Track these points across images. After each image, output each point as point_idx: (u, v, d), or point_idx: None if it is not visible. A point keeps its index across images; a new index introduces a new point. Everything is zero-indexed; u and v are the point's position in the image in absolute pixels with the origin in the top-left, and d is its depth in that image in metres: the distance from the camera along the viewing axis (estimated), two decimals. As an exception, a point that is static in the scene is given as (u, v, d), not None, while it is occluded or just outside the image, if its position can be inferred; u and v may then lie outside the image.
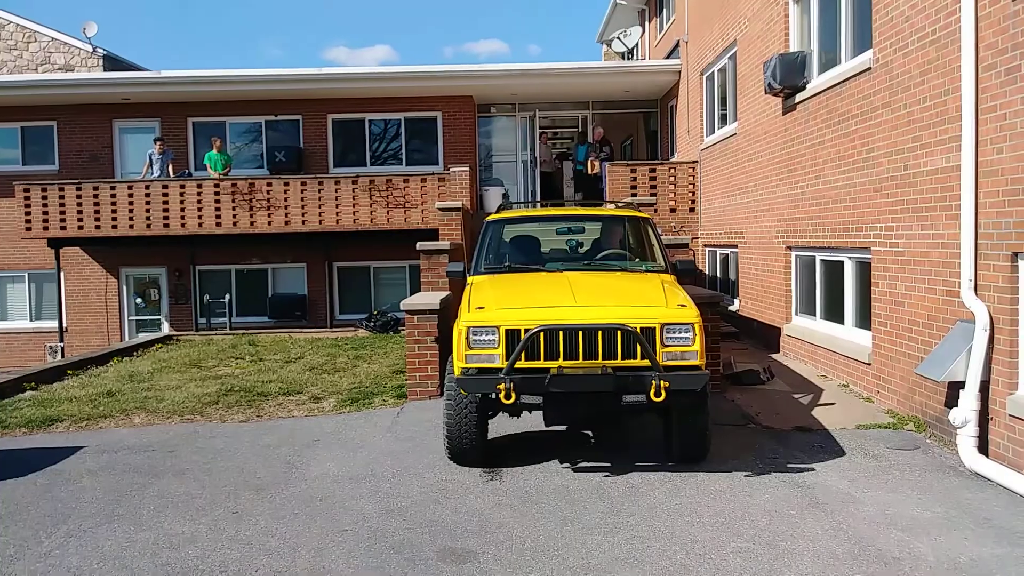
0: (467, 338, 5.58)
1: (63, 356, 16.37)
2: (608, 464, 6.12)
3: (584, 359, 5.47)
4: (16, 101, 17.32)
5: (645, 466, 5.99)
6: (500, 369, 5.46)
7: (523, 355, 5.43)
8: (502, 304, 5.90)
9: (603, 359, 5.47)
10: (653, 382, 5.27)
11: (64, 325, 17.32)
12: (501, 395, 5.32)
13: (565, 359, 5.47)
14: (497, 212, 8.24)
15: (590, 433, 7.08)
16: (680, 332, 5.52)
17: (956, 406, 5.97)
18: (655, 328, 5.50)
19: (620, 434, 7.00)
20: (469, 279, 6.93)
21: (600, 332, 5.46)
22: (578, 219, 8.34)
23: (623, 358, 5.47)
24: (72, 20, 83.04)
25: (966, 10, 6.06)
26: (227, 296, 17.48)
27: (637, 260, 7.42)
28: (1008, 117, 5.67)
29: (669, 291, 6.08)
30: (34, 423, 7.87)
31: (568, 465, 6.10)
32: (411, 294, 13.36)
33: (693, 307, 5.74)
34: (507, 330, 5.53)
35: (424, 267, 10.47)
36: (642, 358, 5.43)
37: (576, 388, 5.49)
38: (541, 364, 5.47)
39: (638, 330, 5.41)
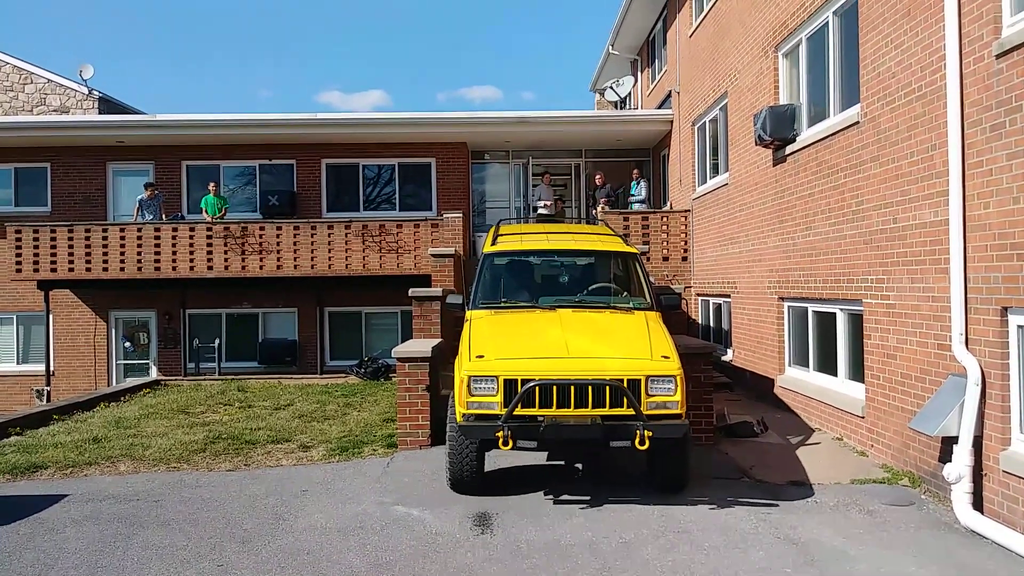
0: (468, 386, 6.12)
1: (49, 400, 16.19)
2: (594, 497, 6.51)
3: (575, 407, 6.00)
4: (10, 143, 17.42)
5: (635, 511, 5.92)
6: (498, 416, 5.99)
7: (519, 404, 5.93)
8: (500, 352, 6.38)
9: (592, 408, 6.01)
10: (638, 431, 5.87)
11: (51, 368, 17.15)
12: (500, 442, 5.91)
13: (558, 407, 6.01)
14: (494, 240, 8.54)
15: (579, 466, 7.55)
16: (663, 383, 6.08)
17: (950, 461, 5.95)
18: (640, 380, 6.05)
19: (607, 466, 7.51)
20: (468, 314, 7.51)
21: (590, 387, 6.00)
22: (571, 254, 8.54)
23: (611, 407, 6.01)
24: (70, 62, 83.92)
25: (951, 68, 6.18)
26: (217, 341, 17.37)
27: (625, 295, 8.01)
28: (994, 173, 5.74)
29: (654, 337, 6.63)
30: (18, 470, 7.74)
31: (551, 498, 6.52)
32: (403, 340, 13.32)
33: (676, 358, 6.27)
34: (505, 379, 6.07)
35: (416, 314, 10.44)
36: (628, 407, 5.94)
37: (567, 436, 6.11)
38: (536, 412, 6.00)
39: (624, 383, 5.98)
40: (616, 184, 17.72)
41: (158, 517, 6.22)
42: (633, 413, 5.93)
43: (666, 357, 6.24)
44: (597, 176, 17.27)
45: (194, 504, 6.56)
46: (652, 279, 9.86)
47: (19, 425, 9.78)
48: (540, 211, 16.84)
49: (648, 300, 7.68)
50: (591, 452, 7.60)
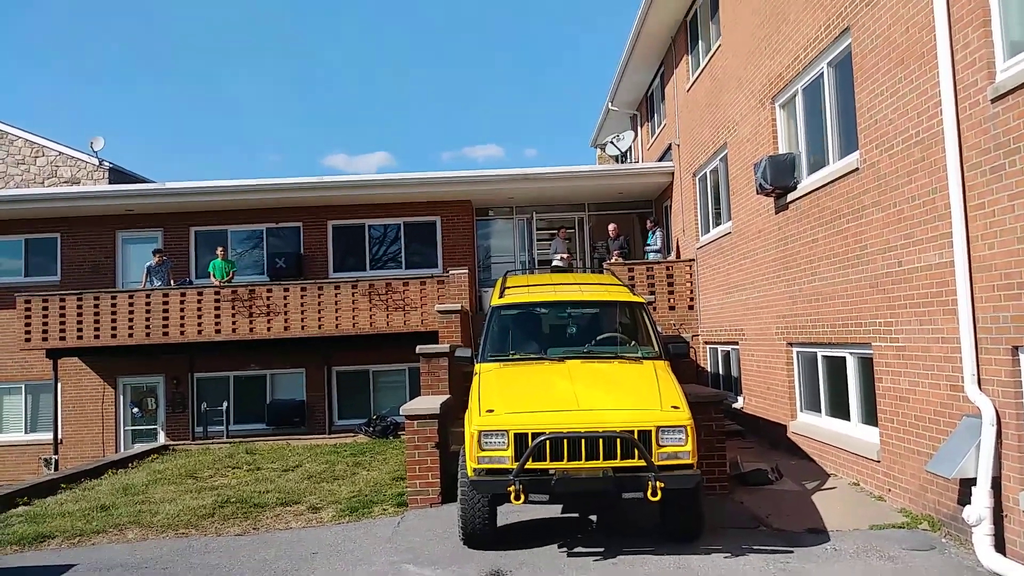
0: (479, 441, 6.12)
1: (57, 468, 16.08)
2: (608, 549, 6.47)
3: (586, 460, 5.98)
4: (21, 214, 17.69)
5: (651, 563, 5.81)
6: (509, 470, 5.98)
7: (530, 458, 5.93)
8: (510, 407, 6.40)
9: (604, 460, 5.98)
10: (649, 483, 5.83)
11: (59, 436, 17.07)
12: (511, 496, 5.86)
13: (569, 460, 5.98)
14: (501, 293, 8.58)
15: (593, 518, 7.49)
16: (674, 434, 6.07)
17: (969, 503, 5.85)
18: (651, 431, 6.05)
19: (620, 518, 7.43)
20: (477, 367, 7.53)
21: (601, 439, 5.99)
22: (579, 304, 8.53)
23: (622, 458, 5.98)
24: (80, 135, 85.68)
25: (947, 113, 6.27)
26: (225, 403, 17.32)
27: (633, 344, 7.98)
28: (996, 214, 5.78)
29: (664, 387, 6.63)
30: (25, 540, 7.65)
31: (565, 551, 6.46)
32: (411, 397, 13.26)
33: (686, 408, 6.27)
34: (516, 434, 6.07)
35: (424, 370, 10.42)
36: (639, 458, 5.92)
37: (579, 489, 6.06)
38: (547, 465, 5.98)
39: (635, 434, 5.98)
40: (625, 235, 17.83)
41: (167, 584, 6.13)
42: (644, 464, 5.90)
43: (676, 407, 6.24)
44: (611, 227, 17.31)
45: (203, 570, 6.47)
46: (660, 328, 9.86)
47: (26, 495, 9.71)
48: (556, 263, 16.93)
49: (656, 349, 7.69)
50: (604, 504, 7.52)
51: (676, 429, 6.06)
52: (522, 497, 5.89)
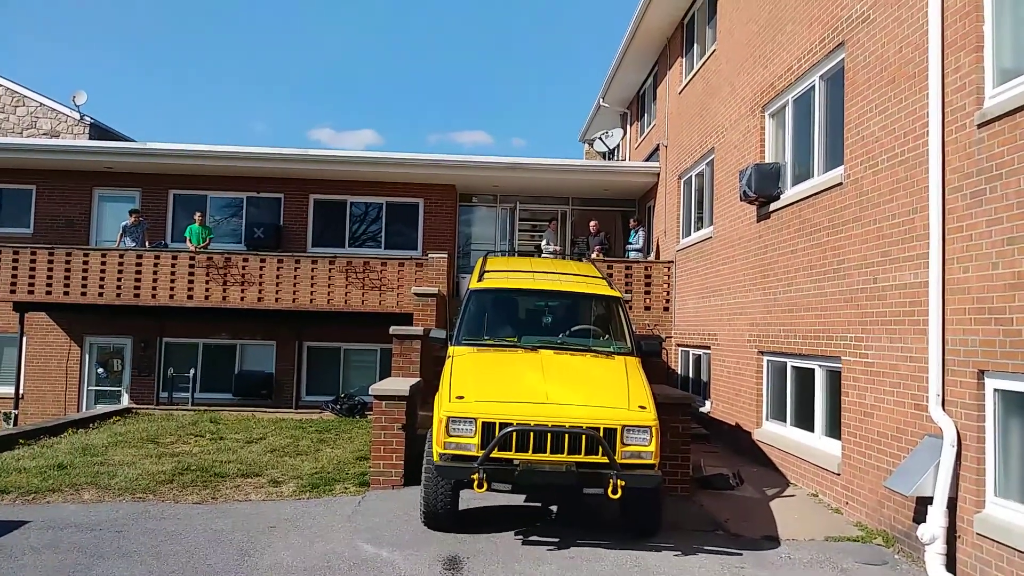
0: (447, 426, 6.16)
1: (16, 424, 15.85)
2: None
3: (551, 453, 6.06)
4: (-3, 163, 17.34)
5: (607, 560, 5.84)
6: (475, 457, 6.03)
7: (496, 447, 5.99)
8: (480, 395, 6.41)
9: (568, 454, 6.06)
10: (611, 480, 5.93)
11: (21, 392, 16.82)
12: (475, 484, 5.93)
13: (534, 452, 6.06)
14: (480, 276, 8.54)
15: (553, 508, 7.64)
16: (639, 433, 6.15)
17: (924, 522, 5.94)
18: (617, 429, 6.12)
19: (582, 510, 7.57)
20: (450, 350, 7.53)
21: (567, 435, 6.06)
22: (557, 296, 8.52)
23: (586, 454, 6.06)
24: (63, 88, 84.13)
25: (933, 135, 6.32)
26: (192, 371, 17.17)
27: (607, 337, 8.06)
28: (974, 238, 5.84)
29: (633, 386, 6.71)
30: (-22, 494, 7.54)
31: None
32: (381, 378, 13.22)
33: (652, 409, 6.35)
34: (484, 422, 6.11)
35: (396, 352, 10.38)
36: (602, 455, 6.01)
37: (541, 481, 6.15)
38: (512, 455, 6.06)
39: (601, 432, 6.05)
40: (606, 232, 17.82)
41: (120, 548, 6.07)
42: (607, 462, 6.00)
43: (643, 407, 6.32)
44: (592, 223, 17.30)
45: (158, 536, 6.41)
46: (635, 326, 9.90)
47: (-17, 448, 9.56)
48: (546, 256, 16.89)
49: (629, 345, 7.75)
50: (566, 496, 7.63)
51: (641, 429, 6.14)
52: (485, 485, 5.94)
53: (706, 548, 6.44)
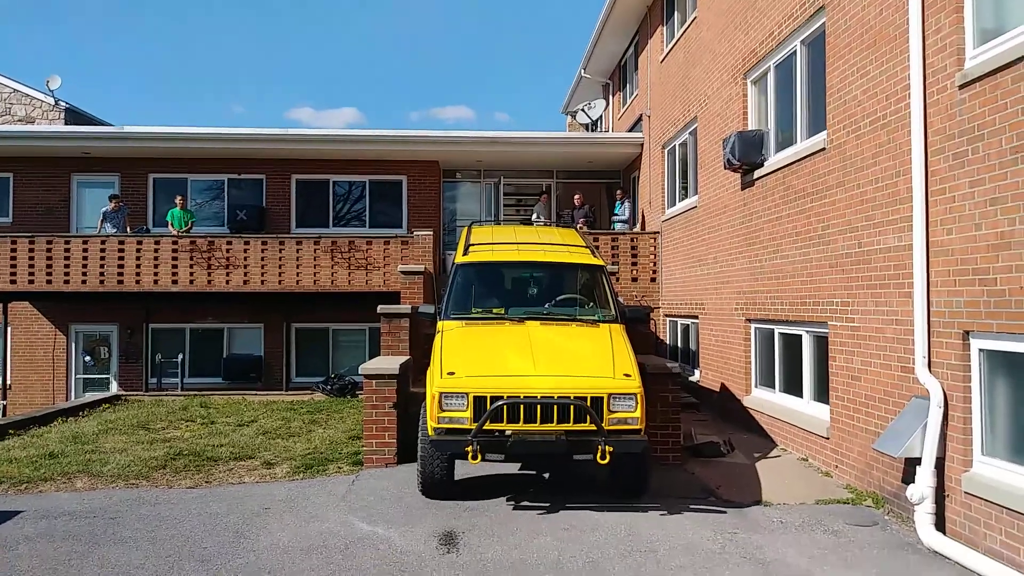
0: (439, 402, 6.39)
1: (5, 414, 15.78)
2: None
3: (541, 423, 6.31)
4: (-28, 152, 17.07)
5: (602, 528, 5.91)
6: (468, 430, 6.26)
7: (488, 420, 6.22)
8: (470, 370, 6.63)
9: (557, 423, 6.30)
10: (599, 446, 6.19)
11: (8, 382, 16.74)
12: (469, 456, 6.18)
13: (525, 422, 6.30)
14: (465, 249, 8.65)
15: (546, 475, 7.89)
16: (625, 401, 6.40)
17: (913, 482, 6.02)
18: (603, 397, 6.36)
19: (573, 474, 7.88)
20: (439, 324, 7.70)
21: (556, 405, 6.29)
22: (542, 267, 8.68)
23: (575, 423, 6.31)
24: (37, 74, 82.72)
25: (915, 97, 6.32)
26: (180, 356, 17.10)
27: (592, 305, 8.30)
28: (957, 200, 5.87)
29: (618, 354, 6.94)
30: (-31, 486, 7.51)
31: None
32: (370, 357, 13.20)
33: (637, 376, 6.59)
34: (475, 396, 6.35)
35: (384, 331, 10.35)
36: (590, 423, 6.26)
37: (533, 451, 6.43)
38: (504, 426, 6.29)
39: (588, 400, 6.30)
40: (591, 205, 17.76)
41: (115, 535, 6.07)
42: (595, 429, 6.25)
43: (628, 375, 6.56)
44: (576, 196, 17.21)
45: (152, 522, 6.41)
46: (622, 298, 10.02)
47: (-28, 439, 9.50)
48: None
49: (613, 312, 7.98)
50: (557, 463, 7.91)
51: (627, 396, 6.39)
52: (479, 457, 6.20)
53: (702, 516, 6.51)
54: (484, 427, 6.21)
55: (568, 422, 6.28)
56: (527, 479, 7.72)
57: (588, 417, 6.24)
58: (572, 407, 6.26)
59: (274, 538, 5.97)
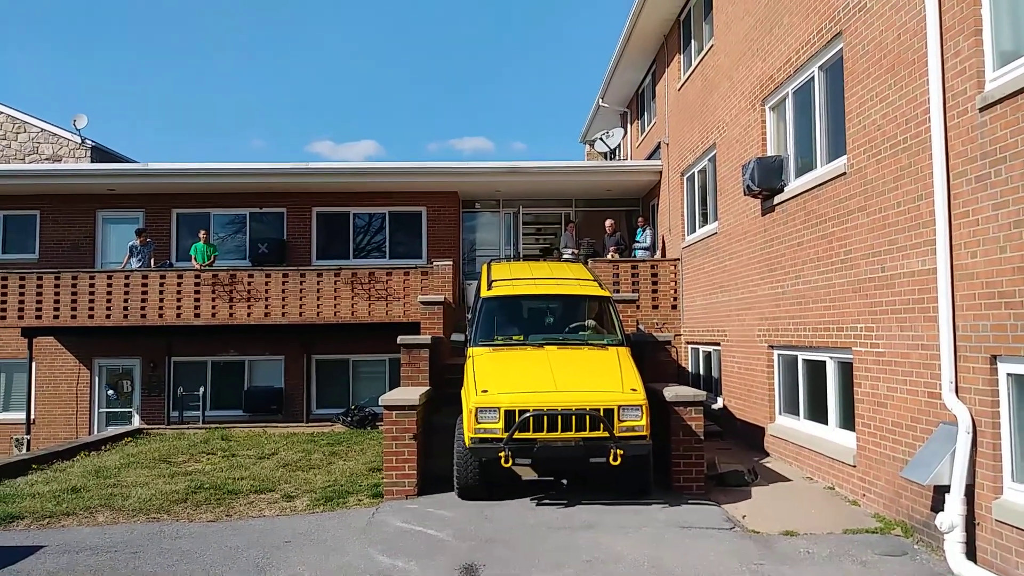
0: (476, 415, 7.62)
1: (29, 449, 15.89)
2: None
3: (562, 431, 7.52)
4: (1, 191, 17.38)
5: (626, 560, 5.80)
6: (500, 439, 7.46)
7: (517, 430, 7.42)
8: (501, 388, 7.82)
9: (576, 431, 7.53)
10: (611, 450, 7.38)
11: (32, 417, 16.87)
12: (501, 460, 7.39)
13: (548, 431, 7.52)
14: (488, 284, 10.02)
15: (564, 482, 8.89)
16: (632, 411, 7.61)
17: (942, 510, 5.87)
18: (614, 408, 7.58)
19: (586, 480, 8.83)
20: (469, 350, 9.01)
21: (574, 416, 7.51)
22: (556, 298, 10.14)
23: (590, 431, 7.53)
24: (64, 112, 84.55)
25: (935, 121, 6.28)
26: (201, 389, 17.18)
27: (600, 330, 9.61)
28: (980, 223, 5.79)
29: (625, 372, 8.17)
30: (-7, 520, 7.53)
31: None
32: (390, 388, 13.18)
33: (642, 390, 7.83)
34: (506, 410, 7.57)
35: (404, 361, 10.35)
36: (603, 431, 7.46)
37: (556, 455, 7.64)
38: (530, 435, 7.50)
39: (601, 412, 7.51)
40: (592, 238, 17.64)
41: (136, 569, 6.05)
42: (608, 435, 7.46)
43: (634, 389, 7.79)
44: (608, 223, 17.00)
45: (173, 556, 6.39)
46: (644, 326, 10.80)
47: (-3, 474, 9.56)
48: (566, 257, 16.83)
49: (619, 337, 9.28)
50: (574, 467, 8.86)
51: (634, 407, 7.61)
52: (510, 461, 7.38)
53: (722, 540, 6.38)
54: (514, 436, 7.38)
55: (584, 430, 7.49)
56: (547, 485, 8.76)
57: (602, 425, 7.44)
58: (588, 417, 7.47)
59: (294, 571, 5.92)
